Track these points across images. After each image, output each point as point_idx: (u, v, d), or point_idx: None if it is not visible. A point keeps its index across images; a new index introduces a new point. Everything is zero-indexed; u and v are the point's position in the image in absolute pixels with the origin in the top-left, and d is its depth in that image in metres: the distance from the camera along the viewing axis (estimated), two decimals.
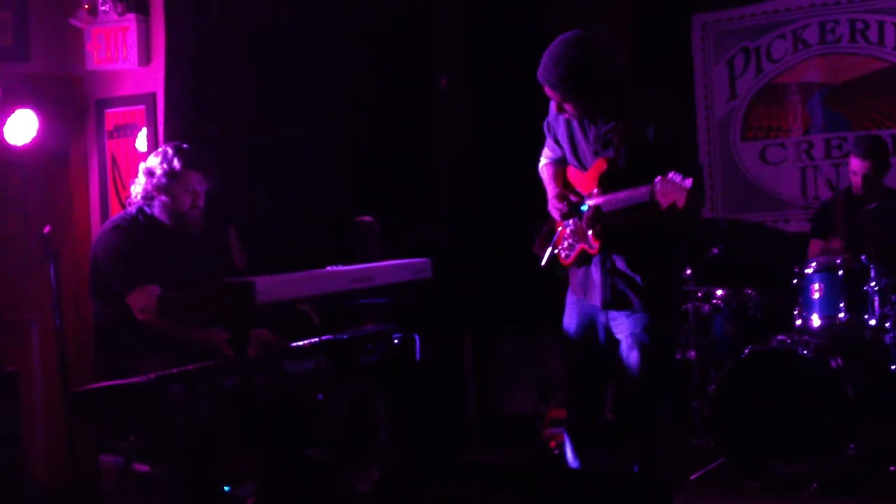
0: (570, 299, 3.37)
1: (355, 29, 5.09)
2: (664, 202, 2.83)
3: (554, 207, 3.25)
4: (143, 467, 3.22)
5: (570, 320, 3.36)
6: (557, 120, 3.29)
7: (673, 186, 2.81)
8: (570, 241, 3.28)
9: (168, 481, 3.15)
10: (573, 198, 3.20)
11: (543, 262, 3.37)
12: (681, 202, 2.79)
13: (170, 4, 4.17)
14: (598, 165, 3.13)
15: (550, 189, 3.31)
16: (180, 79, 4.16)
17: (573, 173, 3.28)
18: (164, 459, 3.15)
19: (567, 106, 3.09)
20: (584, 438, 3.35)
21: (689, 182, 2.78)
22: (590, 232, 3.14)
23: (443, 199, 5.69)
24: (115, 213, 3.95)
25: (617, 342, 3.25)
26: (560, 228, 3.33)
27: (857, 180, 4.53)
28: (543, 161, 3.42)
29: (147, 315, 3.25)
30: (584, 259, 3.24)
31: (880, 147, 4.60)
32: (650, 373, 3.18)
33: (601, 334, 3.28)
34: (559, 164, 3.35)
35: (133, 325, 3.28)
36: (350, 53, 5.03)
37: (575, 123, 3.22)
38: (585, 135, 3.20)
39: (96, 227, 4.34)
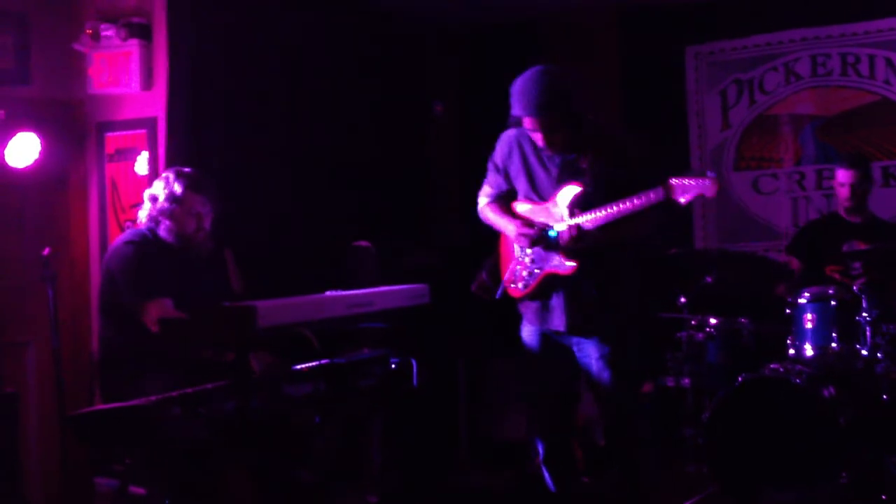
0: (529, 330, 3.40)
1: (354, 56, 5.16)
2: (686, 196, 2.93)
3: (522, 235, 3.27)
4: (138, 490, 3.21)
5: (532, 352, 3.38)
6: (511, 157, 3.35)
7: (692, 181, 2.92)
8: (529, 269, 3.30)
9: None
10: (539, 224, 3.25)
11: (498, 295, 3.41)
12: (710, 192, 2.92)
13: (172, 30, 4.22)
14: (569, 190, 3.17)
15: (507, 221, 3.34)
16: (182, 103, 4.20)
17: (526, 207, 3.33)
18: (161, 482, 3.16)
19: (556, 137, 3.14)
20: (561, 466, 3.37)
21: (711, 174, 2.92)
22: (560, 256, 3.17)
23: (438, 225, 5.74)
24: (117, 236, 3.97)
25: (582, 366, 3.28)
26: (513, 263, 3.36)
27: (844, 192, 4.56)
28: (485, 200, 3.48)
29: None
30: (544, 287, 3.26)
31: (864, 158, 4.70)
32: (626, 391, 3.22)
33: (567, 360, 3.31)
34: (502, 201, 3.41)
35: (138, 346, 3.30)
36: (348, 80, 5.09)
37: (532, 159, 3.28)
38: (545, 167, 3.25)
39: (95, 250, 4.36)
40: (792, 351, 4.18)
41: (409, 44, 5.74)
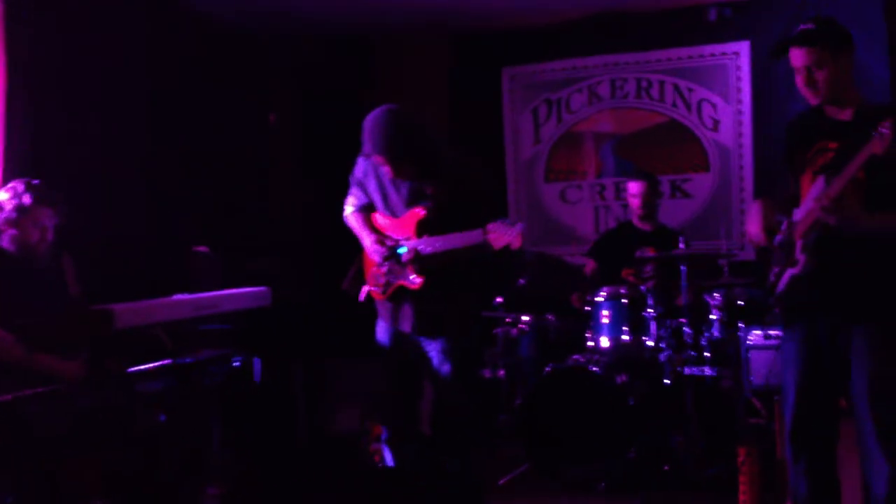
0: (382, 327, 3.77)
1: (198, 64, 5.35)
2: (497, 244, 3.27)
3: (375, 252, 3.64)
4: None
5: (384, 342, 3.76)
6: (367, 176, 3.70)
7: (504, 230, 3.26)
8: (386, 279, 3.68)
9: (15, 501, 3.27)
10: (389, 242, 3.63)
11: (362, 298, 3.76)
12: (516, 243, 3.24)
13: (10, 39, 4.26)
14: (416, 213, 3.56)
15: (366, 235, 3.69)
16: (21, 111, 4.25)
17: (383, 220, 3.70)
18: (13, 478, 3.27)
19: (402, 170, 3.50)
20: (403, 446, 3.76)
21: (519, 226, 3.26)
22: (411, 272, 3.57)
23: (277, 231, 5.99)
24: None
25: (429, 358, 3.69)
26: (374, 268, 3.74)
27: (636, 202, 5.15)
28: (350, 209, 3.81)
29: None
30: (397, 294, 3.66)
31: (652, 174, 5.33)
32: (462, 381, 3.64)
33: (414, 352, 3.70)
34: (365, 211, 3.76)
35: None
36: (192, 88, 5.27)
37: (386, 180, 3.64)
38: (398, 189, 3.63)
39: None
40: (591, 343, 4.74)
41: (253, 54, 5.96)
